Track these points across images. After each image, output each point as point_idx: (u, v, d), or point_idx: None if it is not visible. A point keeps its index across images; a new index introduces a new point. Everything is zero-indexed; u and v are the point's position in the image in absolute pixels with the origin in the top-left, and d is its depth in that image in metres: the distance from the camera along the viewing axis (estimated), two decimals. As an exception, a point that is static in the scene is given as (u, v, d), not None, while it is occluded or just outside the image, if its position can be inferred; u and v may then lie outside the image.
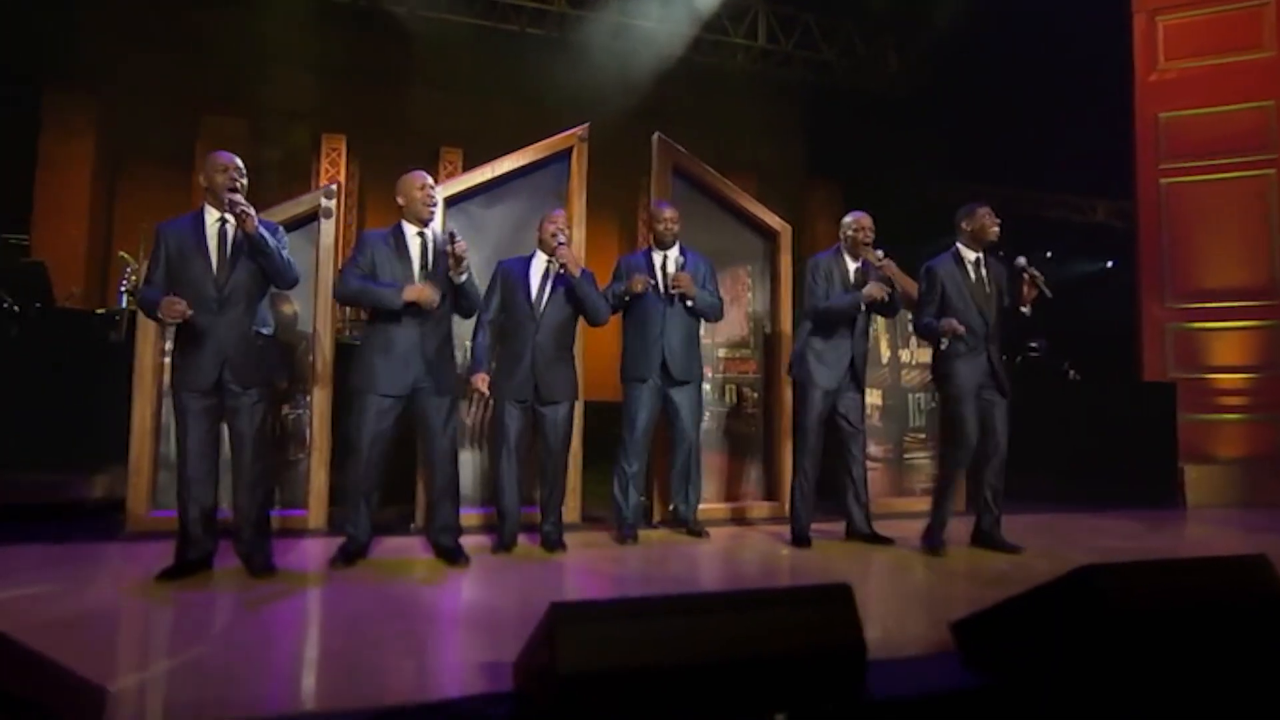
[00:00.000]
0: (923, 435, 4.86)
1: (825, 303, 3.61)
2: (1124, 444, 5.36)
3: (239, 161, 2.81)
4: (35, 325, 4.44)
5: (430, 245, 3.12)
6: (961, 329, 3.37)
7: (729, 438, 4.44)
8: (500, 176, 4.10)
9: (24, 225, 7.73)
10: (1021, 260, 3.47)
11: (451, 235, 3.02)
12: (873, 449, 4.73)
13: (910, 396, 4.87)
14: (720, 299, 3.84)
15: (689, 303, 3.67)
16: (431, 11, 8.88)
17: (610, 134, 10.58)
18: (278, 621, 2.35)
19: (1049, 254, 6.95)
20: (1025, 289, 3.43)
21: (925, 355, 4.77)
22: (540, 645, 1.21)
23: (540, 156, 4.15)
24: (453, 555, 3.04)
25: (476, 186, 4.09)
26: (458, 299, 3.14)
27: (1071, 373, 6.31)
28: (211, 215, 2.78)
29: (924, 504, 4.49)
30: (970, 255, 3.56)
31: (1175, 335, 6.02)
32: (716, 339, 4.47)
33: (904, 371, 4.87)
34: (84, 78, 8.37)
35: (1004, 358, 3.62)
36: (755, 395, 4.50)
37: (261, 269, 2.77)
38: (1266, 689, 1.52)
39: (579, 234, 4.13)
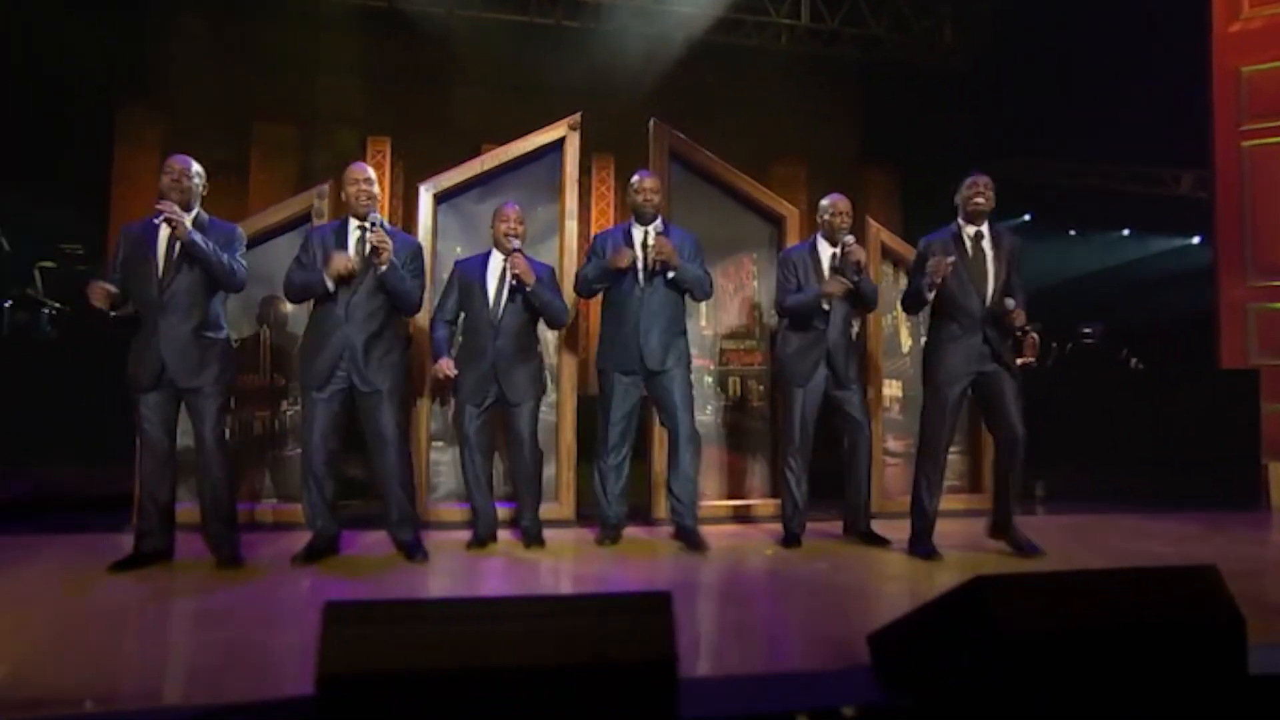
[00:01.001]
0: (948, 429, 4.54)
1: (788, 299, 3.46)
2: (1199, 439, 4.87)
3: (188, 164, 2.88)
4: (73, 327, 4.70)
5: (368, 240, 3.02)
6: (949, 264, 3.15)
7: (732, 432, 4.28)
8: (492, 170, 4.06)
9: (103, 238, 8.27)
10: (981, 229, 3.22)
11: (370, 225, 2.95)
12: (891, 444, 4.47)
13: (934, 388, 4.56)
14: (708, 274, 3.47)
15: (670, 274, 3.30)
16: (469, 10, 8.99)
17: (643, 125, 10.47)
18: (172, 614, 2.38)
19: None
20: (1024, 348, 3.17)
21: None
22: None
23: (532, 148, 4.08)
24: (410, 550, 3.03)
25: (469, 181, 4.06)
26: (391, 295, 3.02)
27: (1134, 361, 5.79)
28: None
29: (949, 502, 4.23)
30: (969, 230, 3.28)
31: (1258, 317, 5.43)
32: (720, 329, 4.32)
33: (927, 361, 4.57)
34: (153, 95, 8.91)
35: (1011, 339, 3.30)
36: (760, 388, 4.32)
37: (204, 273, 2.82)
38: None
39: (572, 226, 4.06)
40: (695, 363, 4.23)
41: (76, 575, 2.70)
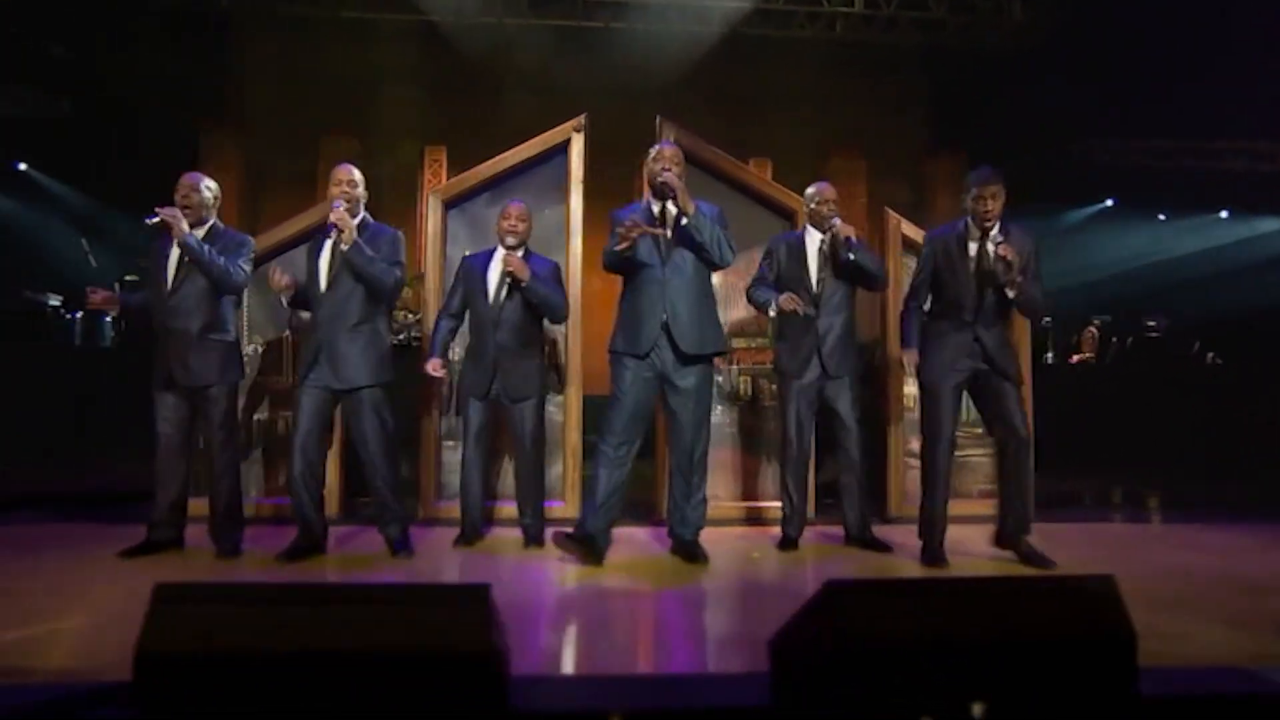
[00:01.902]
0: (979, 430, 4.28)
1: (752, 290, 3.44)
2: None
3: (197, 180, 3.10)
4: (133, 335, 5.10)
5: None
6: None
7: (744, 433, 4.19)
8: (500, 174, 4.14)
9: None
10: (997, 242, 2.99)
11: (335, 206, 3.00)
12: (916, 445, 4.26)
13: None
14: (730, 242, 3.09)
15: (684, 220, 2.99)
16: (517, 18, 9.19)
17: (703, 122, 10.39)
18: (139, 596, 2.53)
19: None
20: (1002, 271, 2.95)
21: None
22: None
23: (538, 151, 4.14)
24: (395, 547, 3.13)
25: (478, 185, 4.16)
26: (360, 279, 3.03)
27: (1210, 356, 5.31)
28: None
29: (978, 507, 4.02)
30: (975, 232, 3.10)
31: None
32: (730, 328, 4.24)
33: (955, 358, 4.34)
34: (232, 117, 9.56)
35: (1006, 339, 3.11)
36: (772, 387, 4.21)
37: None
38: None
39: (577, 226, 4.08)
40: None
41: (91, 559, 2.93)
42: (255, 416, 3.98)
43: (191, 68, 8.90)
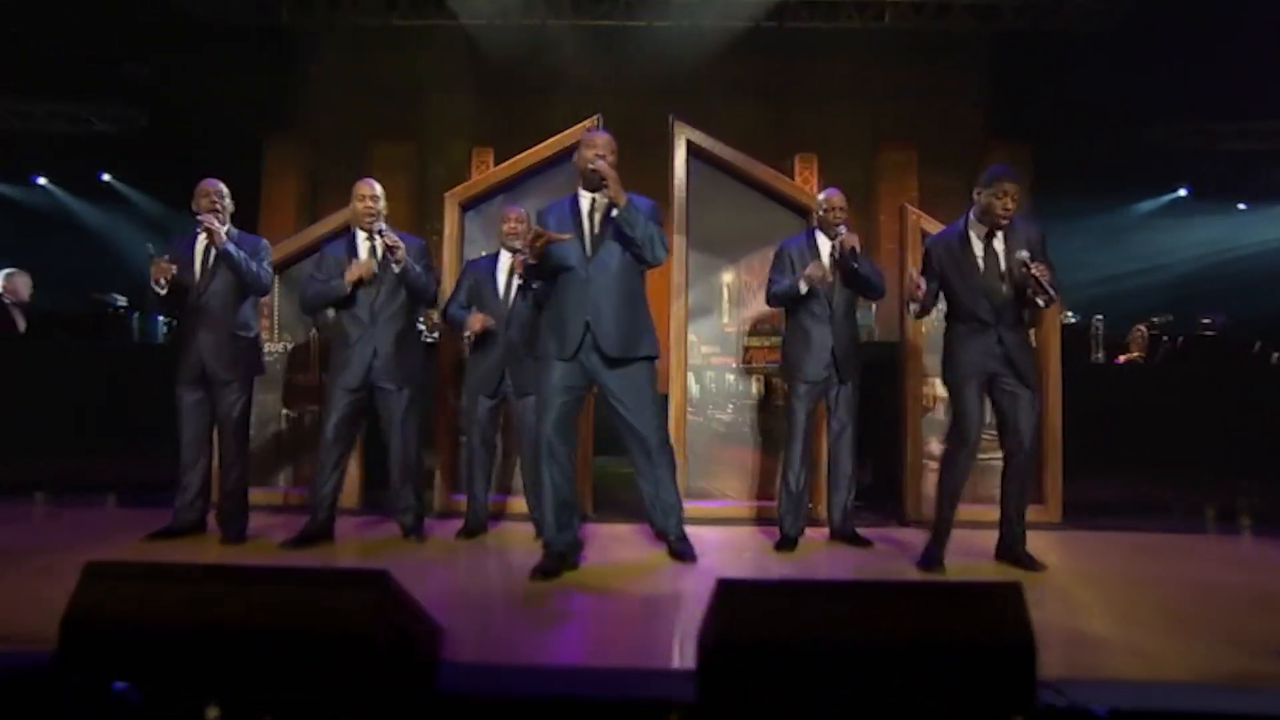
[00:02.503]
0: (1004, 432, 4.13)
1: (772, 288, 3.41)
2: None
3: (220, 187, 3.27)
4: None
5: (378, 247, 3.32)
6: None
7: (757, 432, 4.16)
8: (515, 175, 4.23)
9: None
10: (1023, 254, 2.84)
11: (380, 230, 3.25)
12: (936, 447, 4.13)
13: (989, 386, 4.17)
14: (662, 239, 2.90)
15: (613, 211, 2.83)
16: (561, 19, 9.31)
17: (750, 117, 10.29)
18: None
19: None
20: (1033, 290, 2.81)
21: None
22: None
23: (553, 152, 4.20)
24: (407, 532, 3.35)
25: (495, 186, 4.26)
26: (410, 290, 3.33)
27: (1276, 355, 4.94)
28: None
29: (998, 514, 3.87)
30: (980, 229, 2.99)
31: None
32: (743, 327, 4.21)
33: (979, 357, 4.18)
34: (292, 124, 10.02)
35: (1027, 340, 2.99)
36: (785, 386, 4.15)
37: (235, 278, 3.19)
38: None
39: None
40: (717, 360, 4.20)
41: (120, 542, 3.16)
42: (283, 411, 4.19)
43: (256, 79, 9.39)
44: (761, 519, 4.02)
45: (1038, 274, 2.74)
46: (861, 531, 3.49)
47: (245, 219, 10.27)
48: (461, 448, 3.65)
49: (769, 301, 3.52)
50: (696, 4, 9.14)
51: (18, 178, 8.79)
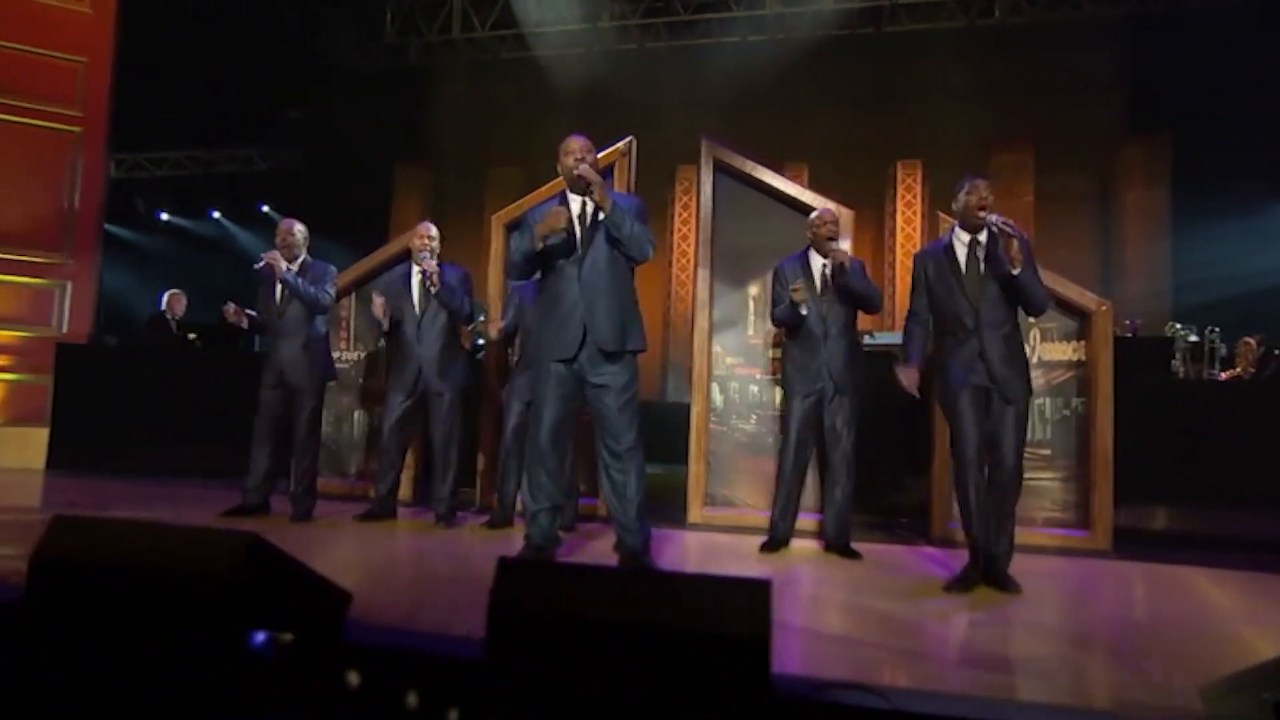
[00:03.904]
0: (1045, 451, 3.91)
1: (774, 311, 3.49)
2: None
3: (291, 225, 3.90)
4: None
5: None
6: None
7: (779, 443, 4.18)
8: (555, 196, 4.54)
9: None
10: (993, 218, 2.78)
11: (422, 259, 3.77)
12: (969, 464, 3.98)
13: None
14: (648, 237, 2.90)
15: (600, 214, 2.85)
16: (657, 41, 9.65)
17: (853, 124, 10.08)
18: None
19: None
20: (1004, 247, 2.75)
21: (1051, 352, 3.90)
22: None
23: (589, 175, 4.48)
24: (438, 520, 3.82)
25: (537, 207, 4.60)
26: (447, 310, 3.84)
27: None
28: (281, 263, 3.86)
29: (1043, 538, 3.72)
30: (964, 237, 2.93)
31: None
32: (768, 338, 4.26)
33: (1019, 371, 3.98)
34: (420, 154, 11.07)
35: (1012, 348, 2.87)
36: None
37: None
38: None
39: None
40: (741, 371, 4.29)
41: (201, 515, 3.75)
42: (356, 411, 4.76)
43: (388, 114, 10.50)
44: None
45: (1001, 227, 2.72)
46: (887, 548, 3.46)
47: (376, 238, 11.37)
48: (500, 449, 3.99)
49: (774, 323, 3.61)
50: (789, 16, 9.17)
51: (196, 212, 10.40)
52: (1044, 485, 3.89)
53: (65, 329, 5.79)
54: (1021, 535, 3.78)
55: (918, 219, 9.54)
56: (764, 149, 10.76)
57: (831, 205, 4.13)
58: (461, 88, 10.85)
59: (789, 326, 3.48)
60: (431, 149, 11.07)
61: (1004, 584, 2.77)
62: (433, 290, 3.77)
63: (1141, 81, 9.26)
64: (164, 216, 9.62)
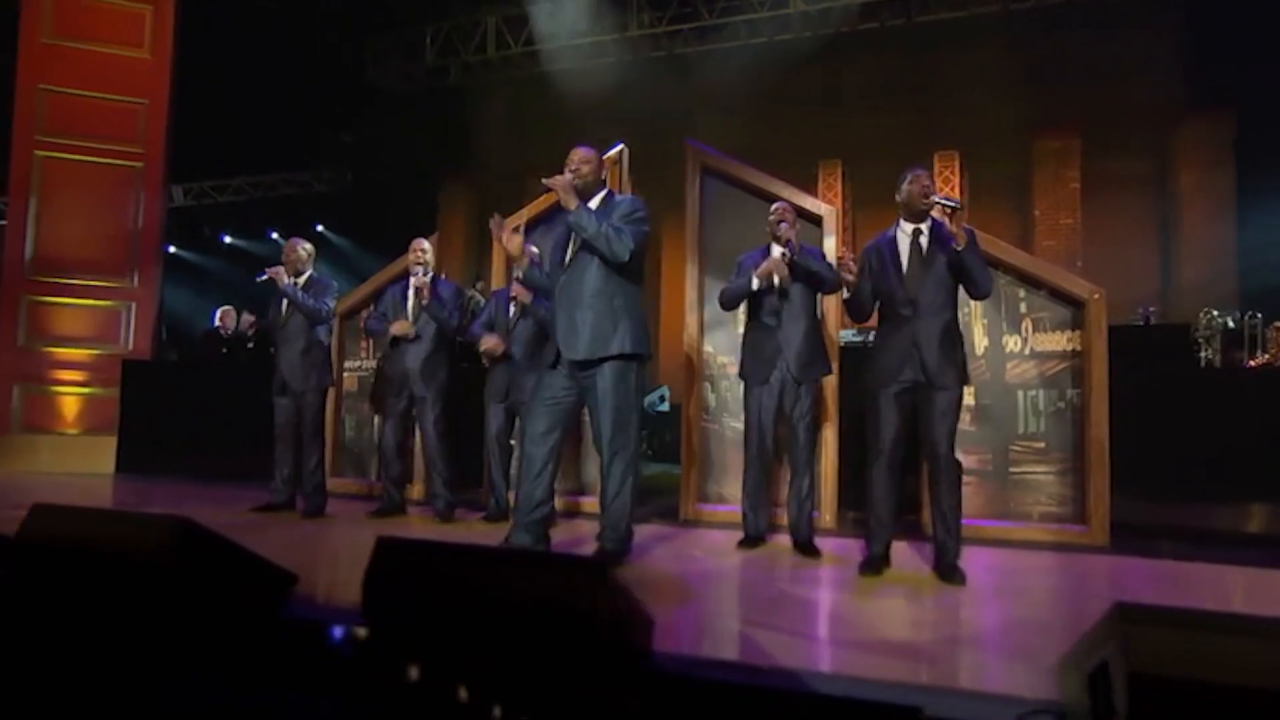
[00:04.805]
0: (1040, 444, 3.83)
1: (722, 292, 3.52)
2: None
3: (295, 243, 4.20)
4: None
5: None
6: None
7: (773, 442, 4.23)
8: (548, 210, 4.74)
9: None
10: (934, 197, 2.83)
11: (412, 275, 4.06)
12: (961, 458, 3.91)
13: (1022, 395, 3.89)
14: (628, 235, 2.87)
15: (569, 216, 2.89)
16: (688, 47, 9.77)
17: (891, 114, 9.91)
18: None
19: None
20: (948, 224, 2.78)
21: (1043, 342, 3.84)
22: None
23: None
24: (437, 516, 4.05)
25: (536, 217, 4.81)
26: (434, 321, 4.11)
27: None
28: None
29: (1034, 534, 3.65)
30: (908, 228, 2.96)
31: None
32: (758, 337, 4.32)
33: (1010, 364, 3.92)
34: (463, 170, 11.52)
35: (948, 335, 2.87)
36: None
37: None
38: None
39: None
40: (733, 370, 4.35)
41: (233, 510, 4.11)
42: (375, 416, 5.06)
43: (432, 133, 10.98)
44: (772, 527, 4.09)
45: (941, 202, 2.77)
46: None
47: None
48: (484, 449, 4.21)
49: (721, 304, 3.58)
50: (815, 14, 9.12)
51: (256, 234, 11.14)
52: (1039, 479, 3.82)
53: (131, 346, 6.35)
54: (1017, 531, 3.77)
55: (956, 212, 9.31)
56: (796, 147, 10.72)
57: (832, 206, 4.18)
58: (500, 104, 11.24)
59: (733, 305, 3.55)
60: (473, 163, 11.51)
61: (949, 575, 2.77)
62: (423, 302, 4.05)
63: (1198, 56, 8.79)
64: (226, 239, 10.35)
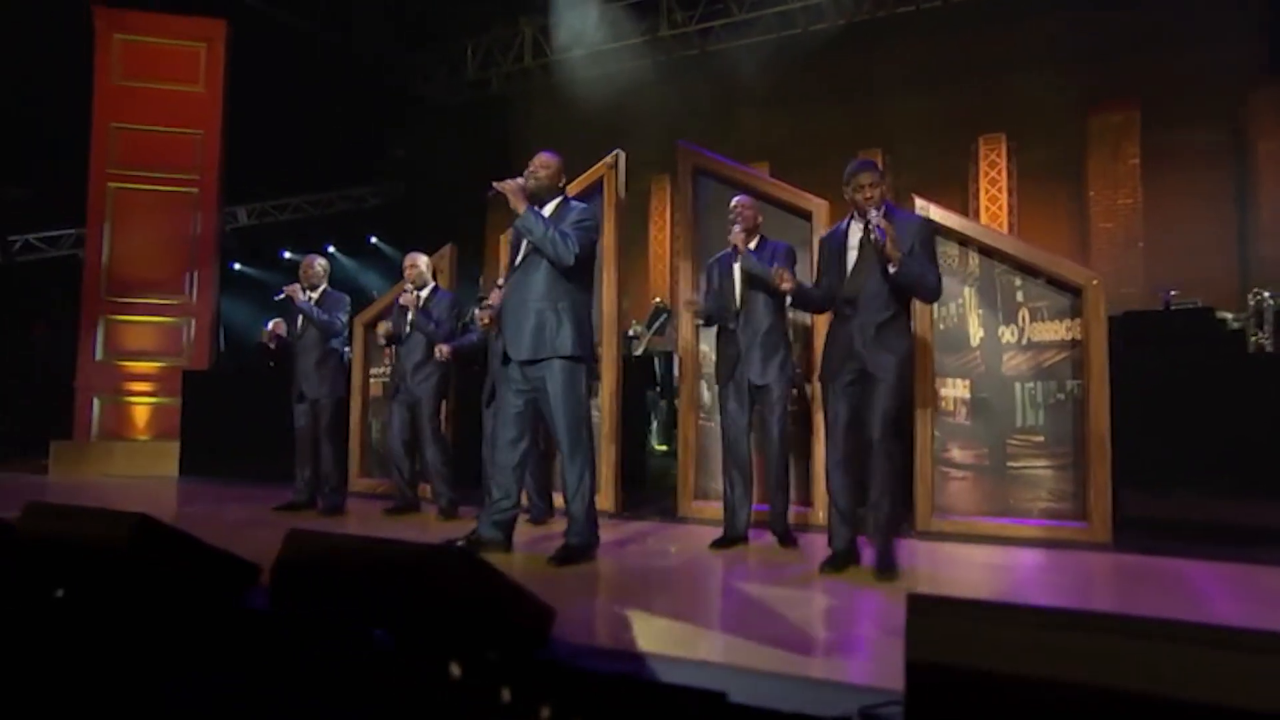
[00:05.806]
0: (1039, 438, 3.69)
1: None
2: None
3: (309, 260, 4.46)
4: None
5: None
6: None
7: (749, 441, 4.22)
8: (580, 193, 4.85)
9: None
10: (871, 216, 2.75)
11: (406, 290, 4.31)
12: (957, 453, 3.85)
13: (1019, 387, 3.76)
14: (573, 240, 2.95)
15: (517, 219, 2.99)
16: (719, 44, 9.75)
17: (937, 99, 9.65)
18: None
19: None
20: (878, 249, 2.75)
21: (1041, 333, 3.72)
22: None
23: (583, 188, 4.76)
24: (440, 514, 4.25)
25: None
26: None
27: None
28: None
29: (1036, 531, 3.56)
30: (857, 225, 2.93)
31: None
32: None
33: (1006, 355, 3.79)
34: (510, 174, 11.79)
35: (889, 332, 2.85)
36: (794, 391, 4.17)
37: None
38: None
39: (610, 257, 4.59)
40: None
41: (260, 508, 4.42)
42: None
43: (479, 142, 11.35)
44: (758, 524, 4.08)
45: (877, 224, 2.72)
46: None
47: (474, 258, 12.24)
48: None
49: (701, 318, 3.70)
50: (848, 2, 8.95)
51: (315, 248, 11.77)
52: (1038, 474, 3.68)
53: (191, 358, 6.88)
54: (1016, 528, 3.65)
55: (1003, 195, 8.95)
56: (836, 138, 10.57)
57: (822, 200, 4.15)
58: (540, 110, 11.49)
59: (721, 319, 3.52)
60: (517, 170, 11.74)
61: (881, 573, 2.72)
62: (410, 315, 4.32)
63: (1277, 15, 8.16)
64: (286, 255, 11.00)
